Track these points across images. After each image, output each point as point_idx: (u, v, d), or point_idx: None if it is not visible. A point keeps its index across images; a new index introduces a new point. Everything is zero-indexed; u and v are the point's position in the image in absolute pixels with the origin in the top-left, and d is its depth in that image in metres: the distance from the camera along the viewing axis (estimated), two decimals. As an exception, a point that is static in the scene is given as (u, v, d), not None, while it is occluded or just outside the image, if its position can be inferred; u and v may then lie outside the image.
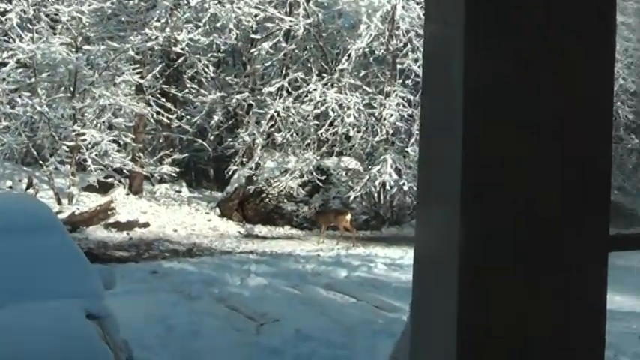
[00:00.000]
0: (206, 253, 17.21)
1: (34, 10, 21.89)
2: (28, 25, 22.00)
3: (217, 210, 23.49)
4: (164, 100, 25.82)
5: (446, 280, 1.16)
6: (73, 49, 21.92)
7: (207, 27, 24.50)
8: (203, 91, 26.33)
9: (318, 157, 23.74)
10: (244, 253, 17.41)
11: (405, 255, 16.86)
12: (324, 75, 24.29)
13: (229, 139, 26.40)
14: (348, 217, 20.14)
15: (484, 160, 1.14)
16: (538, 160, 1.17)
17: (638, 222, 24.11)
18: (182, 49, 24.25)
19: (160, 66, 26.16)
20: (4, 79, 21.72)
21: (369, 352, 8.62)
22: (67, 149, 21.76)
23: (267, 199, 23.10)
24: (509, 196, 1.15)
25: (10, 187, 21.92)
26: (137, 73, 23.66)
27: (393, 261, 15.97)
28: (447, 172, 1.16)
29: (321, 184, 23.08)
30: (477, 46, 1.13)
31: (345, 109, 23.17)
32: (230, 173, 24.06)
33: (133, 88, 24.61)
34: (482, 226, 1.14)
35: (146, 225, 20.39)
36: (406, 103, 23.54)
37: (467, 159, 1.12)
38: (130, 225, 19.95)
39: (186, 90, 26.47)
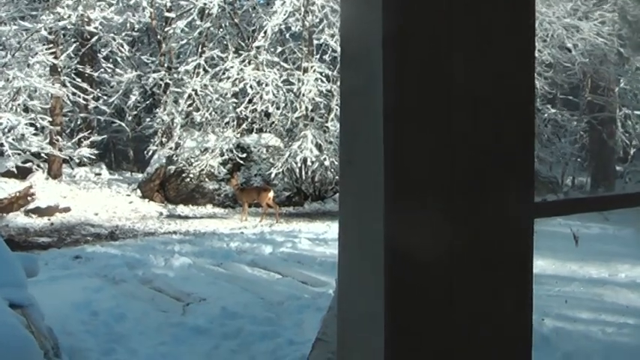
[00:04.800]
0: (129, 235, 17.00)
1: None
2: None
3: (138, 191, 23.22)
4: (80, 80, 25.36)
5: (370, 255, 1.15)
6: (-16, 30, 21.31)
7: (121, 5, 24.10)
8: (119, 70, 25.93)
9: (238, 135, 23.62)
10: (167, 233, 17.27)
11: (329, 230, 16.95)
12: (241, 52, 24.12)
13: (148, 119, 26.12)
14: (271, 194, 20.13)
15: (405, 139, 1.13)
16: (460, 135, 1.16)
17: (558, 189, 24.77)
18: (95, 27, 23.79)
19: (74, 45, 25.68)
20: None
21: (296, 327, 8.65)
22: (-17, 134, 21.19)
23: (188, 179, 22.91)
24: (430, 174, 1.15)
25: None
26: (51, 53, 23.12)
27: (317, 236, 16.03)
28: (368, 151, 1.14)
29: (242, 162, 22.99)
30: (395, 20, 1.12)
31: (264, 85, 23.07)
32: (150, 154, 23.78)
33: (48, 69, 24.06)
34: (405, 207, 1.13)
35: (67, 209, 20.02)
36: (324, 79, 23.54)
37: (388, 138, 1.11)
38: (50, 210, 19.55)
39: (102, 70, 26.03)
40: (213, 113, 23.87)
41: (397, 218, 1.12)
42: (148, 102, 27.39)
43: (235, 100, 24.14)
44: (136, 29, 25.65)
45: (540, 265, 10.98)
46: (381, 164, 1.11)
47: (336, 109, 23.21)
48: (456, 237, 1.16)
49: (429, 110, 1.14)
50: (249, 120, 23.99)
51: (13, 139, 21.47)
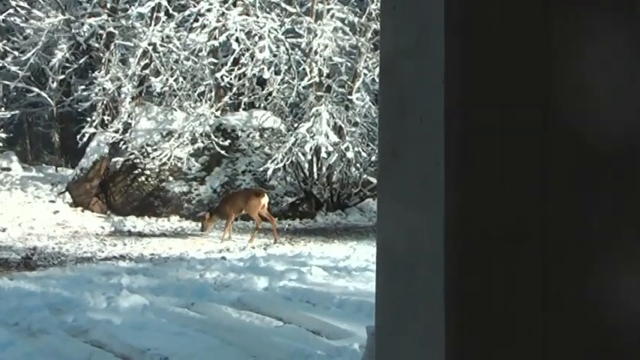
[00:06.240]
0: (53, 262, 17.03)
1: None
2: None
3: (68, 196, 23.23)
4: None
5: (426, 289, 1.16)
6: None
7: None
8: (37, 12, 25.90)
9: (218, 113, 23.60)
10: (112, 259, 17.28)
11: (353, 254, 16.91)
12: (223, -12, 24.15)
13: (81, 88, 26.09)
14: (265, 200, 20.08)
15: (475, 118, 1.14)
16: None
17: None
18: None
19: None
20: None
21: (304, 400, 8.68)
22: None
23: (142, 177, 22.94)
24: (509, 169, 1.15)
25: None
26: None
27: (335, 263, 15.99)
28: (422, 137, 1.15)
29: (223, 153, 22.97)
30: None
31: (256, 39, 23.03)
32: (85, 139, 23.75)
33: None
34: (475, 211, 1.14)
35: (-41, 224, 20.15)
36: (347, 29, 23.46)
37: (451, 116, 1.13)
38: None
39: (11, 11, 25.98)
40: (180, 79, 23.86)
41: (466, 238, 1.12)
42: (81, 62, 27.42)
43: (214, 61, 24.15)
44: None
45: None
46: (442, 155, 1.12)
47: (365, 75, 23.19)
48: (558, 279, 1.17)
49: (513, 80, 1.16)
50: (235, 90, 23.96)
51: None
